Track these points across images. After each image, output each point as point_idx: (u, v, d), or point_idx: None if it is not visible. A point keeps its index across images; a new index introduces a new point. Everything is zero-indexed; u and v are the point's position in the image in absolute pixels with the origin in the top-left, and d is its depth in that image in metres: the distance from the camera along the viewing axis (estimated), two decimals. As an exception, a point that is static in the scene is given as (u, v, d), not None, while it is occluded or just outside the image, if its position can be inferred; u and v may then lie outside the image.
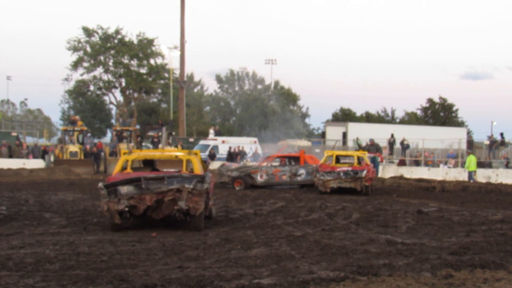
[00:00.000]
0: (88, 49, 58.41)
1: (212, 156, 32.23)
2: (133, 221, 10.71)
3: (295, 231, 10.36)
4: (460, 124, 67.66)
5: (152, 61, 60.55)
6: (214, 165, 28.52)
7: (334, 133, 41.44)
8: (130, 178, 10.08)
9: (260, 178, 20.86)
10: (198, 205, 9.93)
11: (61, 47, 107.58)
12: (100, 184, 10.01)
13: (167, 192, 9.85)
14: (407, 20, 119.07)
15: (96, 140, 45.75)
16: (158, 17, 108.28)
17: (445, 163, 28.20)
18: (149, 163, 13.62)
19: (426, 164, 28.55)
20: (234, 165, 23.60)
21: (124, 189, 9.86)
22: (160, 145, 31.39)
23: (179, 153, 12.28)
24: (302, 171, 21.37)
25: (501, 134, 30.11)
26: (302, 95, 74.63)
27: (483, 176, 24.11)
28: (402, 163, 29.23)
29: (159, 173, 10.73)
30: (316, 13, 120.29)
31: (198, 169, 11.35)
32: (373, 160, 25.10)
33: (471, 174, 23.80)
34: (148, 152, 12.98)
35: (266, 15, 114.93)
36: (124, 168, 11.51)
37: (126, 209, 9.87)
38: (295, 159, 22.01)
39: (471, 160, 23.87)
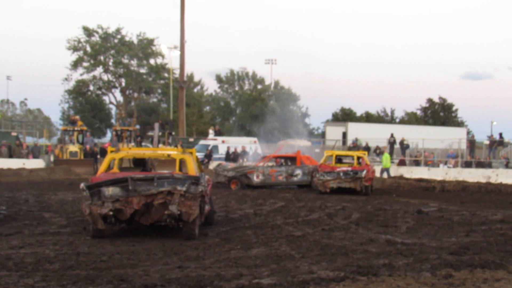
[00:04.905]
0: (88, 49, 58.53)
1: (209, 156, 32.22)
2: (118, 227, 9.88)
3: (295, 231, 10.36)
4: (460, 124, 67.74)
5: (152, 61, 60.66)
6: (214, 165, 28.50)
7: (334, 133, 41.45)
8: (115, 179, 9.04)
9: (256, 178, 20.85)
10: (191, 210, 8.88)
11: (61, 47, 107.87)
12: (82, 185, 8.96)
13: (156, 194, 8.84)
14: (407, 20, 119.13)
15: (96, 140, 45.75)
16: (158, 17, 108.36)
17: (445, 163, 28.19)
18: (140, 163, 12.74)
19: (426, 164, 28.54)
20: (230, 165, 23.60)
21: (109, 191, 8.83)
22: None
23: (172, 152, 11.07)
24: (298, 171, 21.36)
25: (500, 134, 30.11)
26: (302, 95, 74.75)
27: (483, 176, 24.13)
28: (402, 163, 29.22)
29: (148, 174, 9.84)
30: (316, 13, 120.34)
31: (192, 170, 10.26)
32: None
33: (387, 171, 25.33)
34: (138, 151, 11.54)
35: (266, 15, 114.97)
36: (110, 168, 10.60)
37: (111, 213, 8.86)
38: (292, 160, 22.03)
39: (386, 158, 25.67)
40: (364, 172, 18.80)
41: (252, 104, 61.23)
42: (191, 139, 40.27)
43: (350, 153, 23.25)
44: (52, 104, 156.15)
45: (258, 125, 42.75)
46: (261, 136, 38.15)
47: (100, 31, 58.50)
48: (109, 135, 57.92)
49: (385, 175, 25.02)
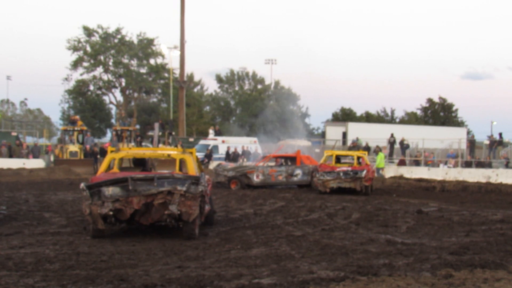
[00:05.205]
0: (88, 48, 58.55)
1: (209, 156, 32.27)
2: (118, 227, 9.90)
3: (295, 231, 10.36)
4: (460, 124, 67.74)
5: (152, 61, 60.67)
6: (214, 165, 28.53)
7: (334, 133, 41.44)
8: (115, 179, 9.05)
9: (256, 178, 20.85)
10: (191, 210, 8.89)
11: (61, 47, 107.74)
12: (82, 185, 8.98)
13: (156, 194, 8.85)
14: (407, 20, 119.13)
15: (96, 140, 45.70)
16: (158, 17, 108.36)
17: (445, 163, 28.19)
18: (140, 163, 12.75)
19: (426, 164, 28.53)
20: (230, 165, 23.60)
21: (109, 191, 8.85)
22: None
23: (172, 152, 11.04)
24: (298, 171, 21.37)
25: (500, 134, 30.10)
26: (302, 95, 74.76)
27: (483, 176, 24.13)
28: (402, 163, 29.22)
29: (148, 174, 9.84)
30: (316, 12, 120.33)
31: (192, 170, 10.26)
32: None
33: (378, 171, 25.20)
34: (138, 150, 11.50)
35: (266, 14, 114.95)
36: (110, 168, 10.63)
37: (111, 213, 8.87)
38: (292, 159, 22.03)
39: (381, 157, 25.56)
40: (364, 172, 18.79)
41: (252, 104, 61.20)
42: (191, 139, 40.25)
43: (350, 153, 23.24)
44: (52, 104, 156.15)
45: (258, 125, 42.84)
46: (261, 136, 38.18)
47: (100, 31, 58.51)
48: (109, 135, 57.95)
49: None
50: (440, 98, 71.98)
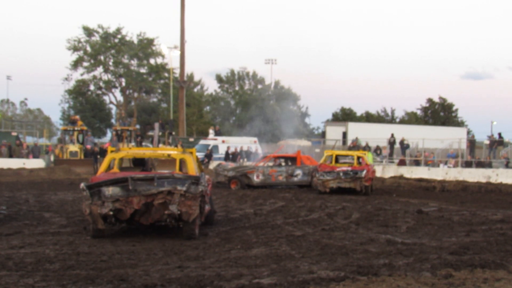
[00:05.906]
0: (88, 48, 58.59)
1: (209, 156, 32.28)
2: (118, 227, 9.93)
3: (295, 231, 10.36)
4: (460, 124, 67.74)
5: (152, 61, 60.70)
6: (215, 165, 28.52)
7: (334, 133, 41.41)
8: (115, 179, 9.07)
9: (256, 178, 20.85)
10: (191, 210, 8.90)
11: (61, 47, 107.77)
12: (82, 185, 8.99)
13: (157, 194, 8.86)
14: (407, 19, 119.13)
15: (96, 140, 45.69)
16: (158, 17, 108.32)
17: (445, 163, 28.18)
18: (140, 163, 12.77)
19: (426, 164, 28.52)
20: (230, 164, 23.60)
21: (109, 191, 8.86)
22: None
23: (172, 152, 11.06)
24: (298, 171, 21.36)
25: (499, 134, 30.09)
26: (302, 95, 74.82)
27: (483, 176, 24.13)
28: (402, 163, 29.21)
29: (148, 174, 9.85)
30: (316, 12, 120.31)
31: (192, 170, 10.28)
32: None
33: None
34: (138, 150, 11.48)
35: (266, 14, 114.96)
36: (110, 168, 10.64)
37: (111, 213, 8.87)
38: (292, 160, 22.02)
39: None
40: (364, 172, 18.78)
41: (252, 104, 61.22)
42: (191, 139, 40.24)
43: (350, 153, 23.23)
44: (52, 104, 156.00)
45: (258, 125, 42.87)
46: (261, 136, 38.18)
47: (100, 31, 58.56)
48: (109, 135, 57.90)
49: None
50: (440, 98, 72.04)
